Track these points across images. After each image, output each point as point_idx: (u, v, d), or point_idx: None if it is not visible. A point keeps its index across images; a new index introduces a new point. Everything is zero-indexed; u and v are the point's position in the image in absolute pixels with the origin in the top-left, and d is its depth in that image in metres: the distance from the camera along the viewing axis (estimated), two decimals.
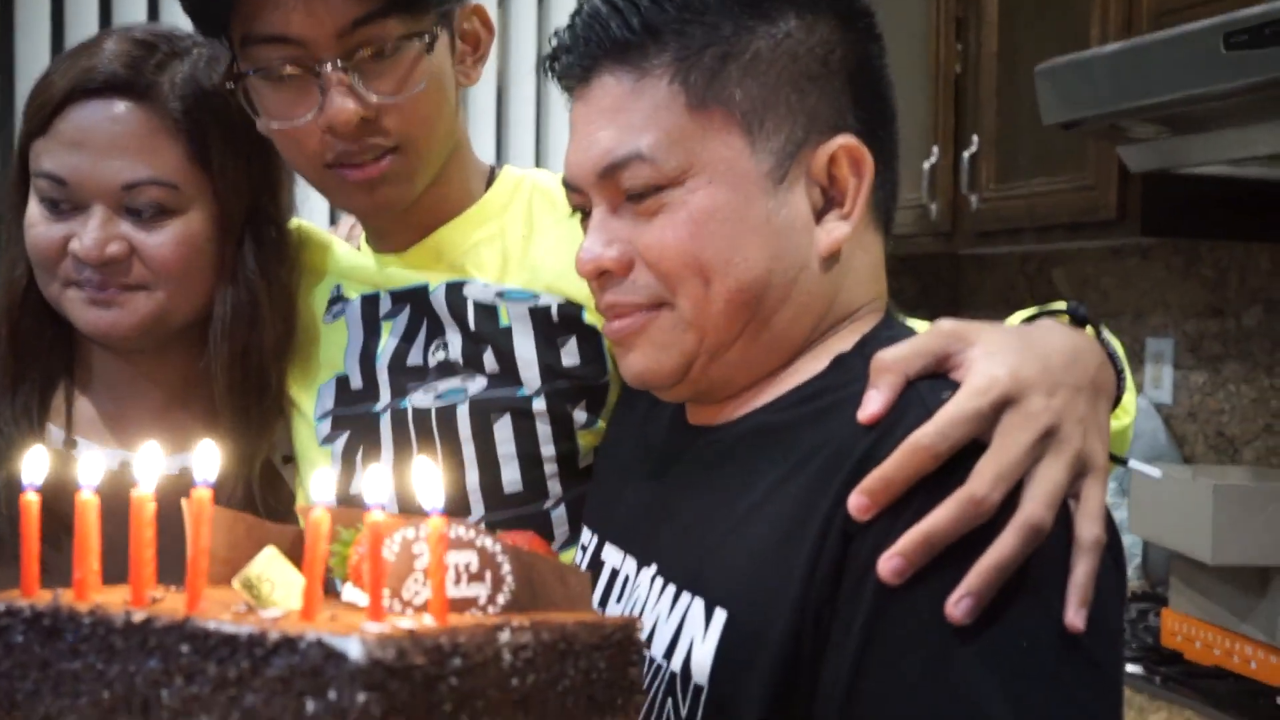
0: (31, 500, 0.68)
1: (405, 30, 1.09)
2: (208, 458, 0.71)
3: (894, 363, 0.81)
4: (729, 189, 0.87)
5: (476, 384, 1.20)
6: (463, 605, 0.64)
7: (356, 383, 1.24)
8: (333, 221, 1.41)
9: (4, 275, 1.23)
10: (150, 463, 0.68)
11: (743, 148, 0.88)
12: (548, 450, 1.19)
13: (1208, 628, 2.08)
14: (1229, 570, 2.03)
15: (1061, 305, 0.93)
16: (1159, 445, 2.81)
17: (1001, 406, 0.77)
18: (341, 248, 1.31)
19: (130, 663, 0.61)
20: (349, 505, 1.21)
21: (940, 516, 0.74)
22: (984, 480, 0.75)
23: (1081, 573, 0.76)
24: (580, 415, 1.19)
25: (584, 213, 0.95)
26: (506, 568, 0.65)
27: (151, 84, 1.16)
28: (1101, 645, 0.76)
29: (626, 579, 0.97)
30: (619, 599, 0.96)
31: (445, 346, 1.21)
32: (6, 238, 1.23)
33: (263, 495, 1.23)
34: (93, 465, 0.70)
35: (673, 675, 0.85)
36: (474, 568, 0.64)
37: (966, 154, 2.87)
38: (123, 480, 1.22)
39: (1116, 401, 0.88)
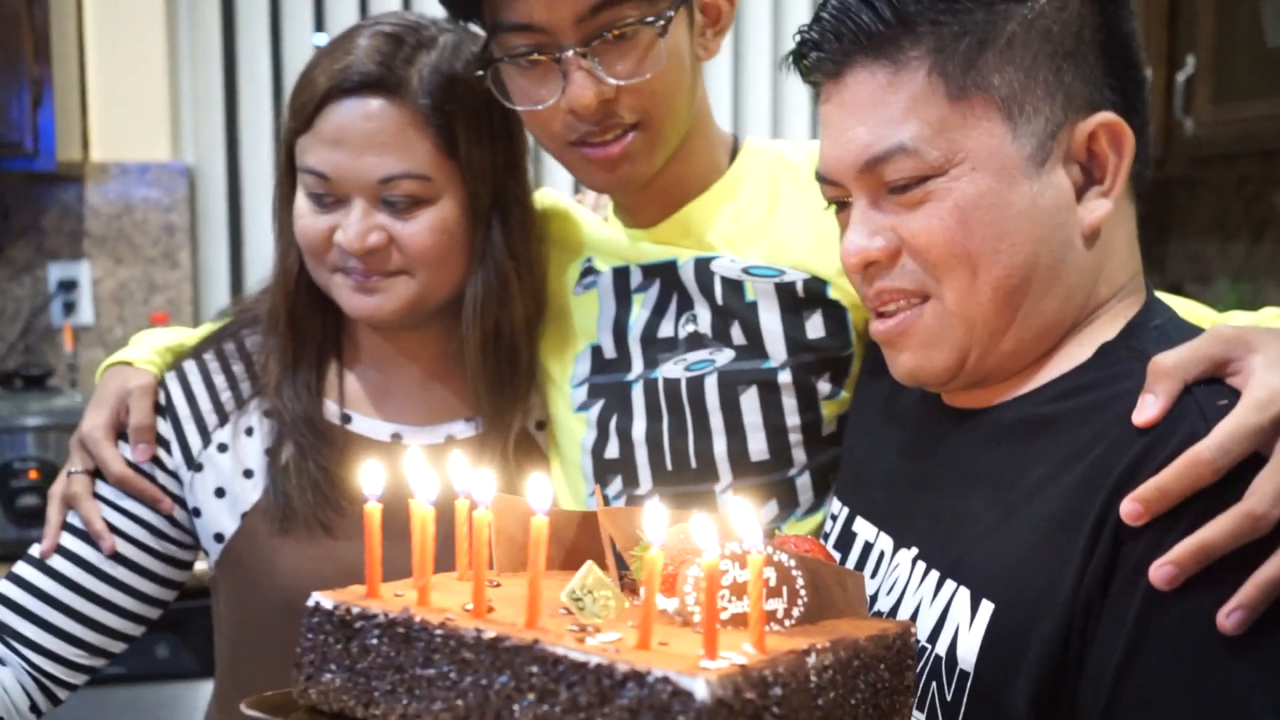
0: (373, 510, 0.74)
1: (641, 13, 1.12)
2: (538, 487, 0.76)
3: (1173, 368, 0.81)
4: (993, 175, 0.88)
5: (724, 356, 1.24)
6: (764, 619, 0.68)
7: (610, 352, 1.30)
8: (576, 190, 1.46)
9: (279, 262, 1.33)
10: (485, 483, 0.75)
11: (1004, 133, 0.89)
12: (792, 420, 1.22)
13: None
14: None
15: None
16: None
17: None
18: (589, 220, 1.35)
19: (483, 676, 0.66)
20: (604, 468, 1.28)
21: (1217, 529, 0.75)
22: (1264, 497, 0.75)
23: None
24: (824, 386, 1.22)
25: (839, 204, 0.97)
26: (800, 581, 0.69)
27: (402, 79, 1.22)
28: None
29: (882, 554, 0.99)
30: (874, 574, 0.99)
31: (695, 319, 1.25)
32: (279, 227, 1.32)
33: (517, 461, 1.30)
34: (430, 477, 0.76)
35: (938, 659, 0.88)
36: (772, 582, 0.69)
37: (1181, 75, 2.75)
38: (395, 451, 1.33)
39: None
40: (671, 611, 0.71)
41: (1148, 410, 0.82)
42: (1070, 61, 0.90)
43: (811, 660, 0.64)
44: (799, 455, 1.24)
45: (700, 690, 0.60)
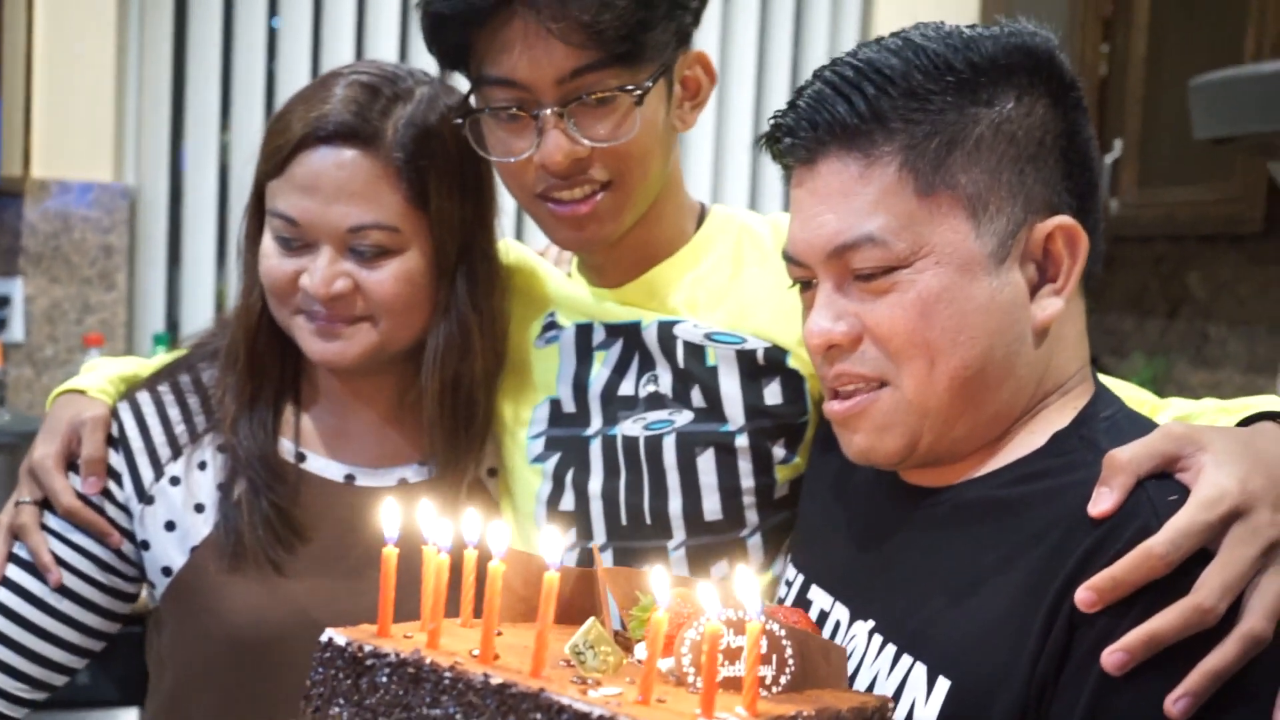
0: (391, 554, 0.77)
1: (621, 81, 1.16)
2: (549, 543, 0.79)
3: (1127, 463, 0.86)
4: (955, 270, 0.92)
5: (683, 417, 1.26)
6: (757, 684, 0.70)
7: (569, 406, 1.31)
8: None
9: (242, 298, 1.33)
10: (499, 536, 0.78)
11: (968, 230, 0.93)
12: (747, 483, 1.25)
13: None
14: None
15: (1269, 404, 0.97)
16: None
17: (1230, 519, 0.82)
18: (554, 274, 1.37)
19: (488, 718, 0.68)
20: (558, 520, 1.30)
21: (1166, 620, 0.80)
22: (1211, 591, 0.80)
23: None
24: (780, 451, 1.25)
25: (804, 284, 1.00)
26: (790, 650, 0.72)
27: (377, 131, 1.23)
28: None
29: (838, 624, 1.03)
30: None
31: (655, 380, 1.28)
32: (244, 264, 1.33)
33: (470, 506, 1.31)
34: (440, 526, 0.78)
35: None
36: (764, 650, 0.71)
37: (1109, 158, 2.85)
38: (348, 493, 1.34)
39: None
40: (667, 671, 0.73)
41: (1103, 503, 0.86)
42: (1033, 165, 0.94)
43: None
44: (751, 516, 1.26)
45: None
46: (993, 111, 0.93)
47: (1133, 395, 1.17)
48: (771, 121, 1.01)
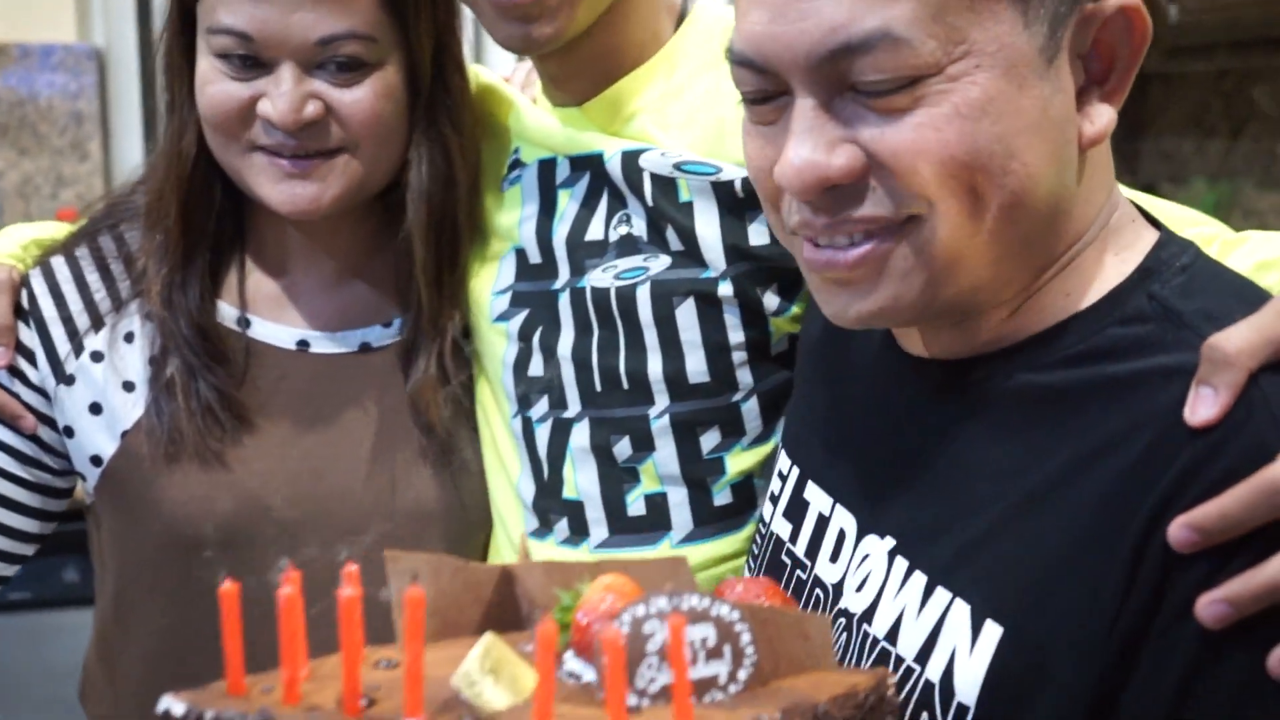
0: (230, 590, 0.63)
1: None
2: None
3: (1236, 355, 0.65)
4: (1002, 76, 0.70)
5: (659, 263, 1.12)
6: (704, 687, 0.57)
7: (534, 257, 1.18)
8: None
9: (171, 144, 1.17)
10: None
11: (1014, 19, 0.70)
12: (736, 337, 1.11)
13: None
14: None
15: None
16: None
17: None
18: (519, 102, 1.22)
19: None
20: (528, 386, 1.16)
21: None
22: None
23: None
24: (771, 300, 1.10)
25: (757, 97, 0.76)
26: (746, 638, 0.59)
27: None
28: None
29: (842, 533, 0.85)
30: (834, 558, 0.85)
31: (628, 220, 1.14)
32: (170, 101, 1.17)
33: (454, 368, 1.21)
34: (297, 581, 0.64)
35: (929, 685, 0.73)
36: (711, 642, 0.57)
37: None
38: (300, 361, 1.19)
39: None
40: (593, 684, 0.60)
41: (1205, 409, 0.66)
42: None
43: None
44: (744, 377, 1.12)
45: None
46: None
47: (1187, 218, 0.95)
48: None
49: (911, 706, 0.74)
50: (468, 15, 1.16)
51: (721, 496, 1.15)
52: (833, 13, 0.69)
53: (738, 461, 1.14)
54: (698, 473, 1.14)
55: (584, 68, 1.13)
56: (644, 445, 1.14)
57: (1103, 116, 0.74)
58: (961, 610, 0.73)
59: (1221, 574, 0.63)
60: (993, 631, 0.71)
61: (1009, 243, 0.72)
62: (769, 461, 1.13)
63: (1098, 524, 0.67)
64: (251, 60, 1.08)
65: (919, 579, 0.76)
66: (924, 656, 0.74)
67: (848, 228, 0.73)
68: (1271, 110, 3.05)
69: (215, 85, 1.10)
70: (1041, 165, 0.71)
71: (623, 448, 1.14)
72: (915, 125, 0.70)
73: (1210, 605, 0.63)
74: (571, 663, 0.62)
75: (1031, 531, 0.71)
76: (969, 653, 0.71)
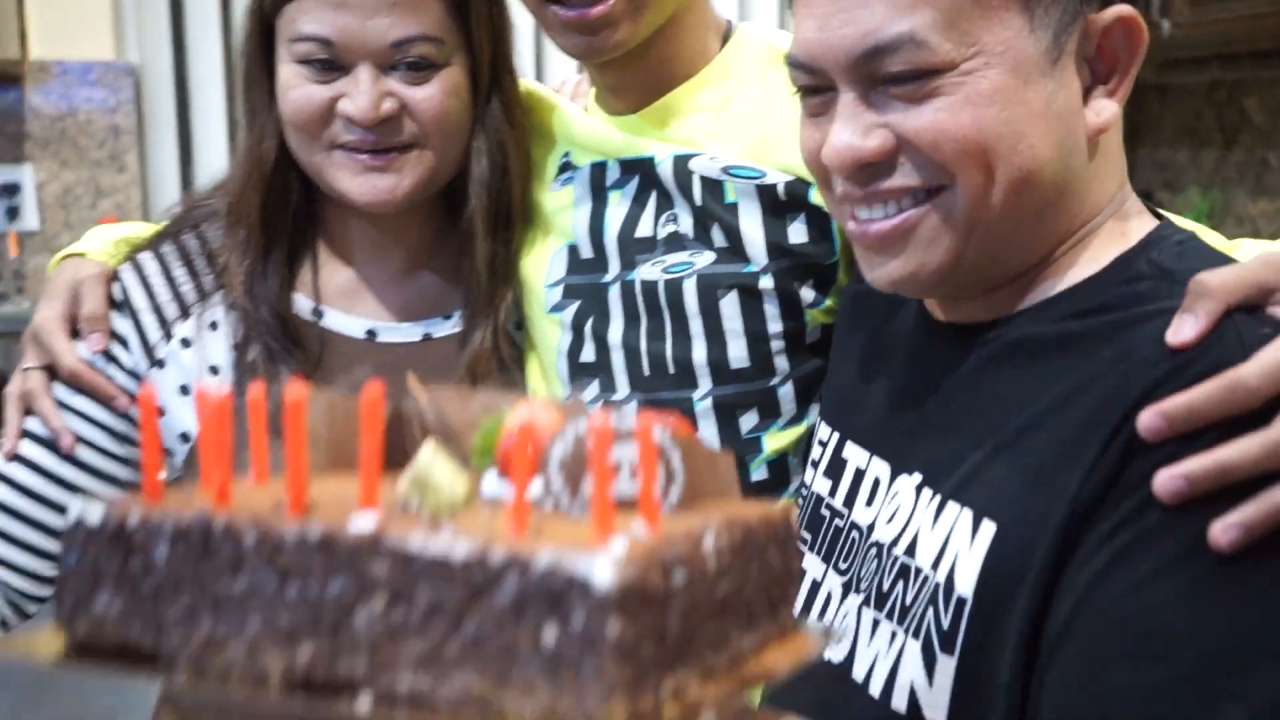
0: (148, 395, 0.63)
1: None
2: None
3: (1217, 289, 0.75)
4: (1008, 73, 0.81)
5: (704, 259, 1.20)
6: (635, 504, 0.56)
7: (586, 252, 1.25)
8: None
9: (252, 149, 1.25)
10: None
11: (1021, 26, 0.82)
12: (774, 327, 1.19)
13: None
14: None
15: None
16: None
17: None
18: (569, 110, 1.30)
19: (312, 583, 0.55)
20: (580, 371, 1.24)
21: (1239, 450, 0.70)
22: None
23: None
24: (808, 293, 1.19)
25: (809, 91, 0.89)
26: (676, 459, 0.60)
27: None
28: None
29: (877, 481, 0.94)
30: (869, 502, 0.95)
31: (675, 219, 1.22)
32: (250, 109, 1.26)
33: (506, 345, 1.28)
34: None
35: (936, 586, 0.83)
36: (634, 462, 0.59)
37: None
38: (370, 350, 1.28)
39: None
40: (535, 500, 0.60)
41: (1185, 330, 0.75)
42: None
43: (709, 542, 0.55)
44: (781, 363, 1.20)
45: (603, 574, 0.49)
46: None
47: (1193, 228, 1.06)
48: None
49: (921, 605, 0.84)
50: (526, 29, 1.25)
51: (759, 473, 1.22)
52: (867, 21, 0.82)
53: (774, 441, 1.21)
54: (739, 451, 1.21)
55: (640, 79, 1.21)
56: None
57: (1107, 110, 0.84)
58: (965, 517, 0.82)
59: (1179, 458, 0.71)
60: (988, 530, 0.80)
61: (1021, 215, 0.83)
62: (801, 441, 1.20)
63: (1081, 434, 0.76)
64: (331, 64, 1.16)
65: (935, 500, 0.86)
66: (936, 563, 0.83)
67: (883, 196, 0.85)
68: (1262, 120, 3.11)
69: (298, 89, 1.17)
70: (1046, 148, 0.82)
71: None
72: (935, 110, 0.82)
73: (1169, 479, 0.71)
74: (492, 484, 0.62)
75: (1029, 447, 0.80)
76: (969, 551, 0.81)
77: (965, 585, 0.80)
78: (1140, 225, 0.89)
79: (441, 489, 0.57)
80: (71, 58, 2.92)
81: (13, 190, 2.89)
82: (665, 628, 0.52)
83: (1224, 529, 0.69)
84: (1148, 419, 0.72)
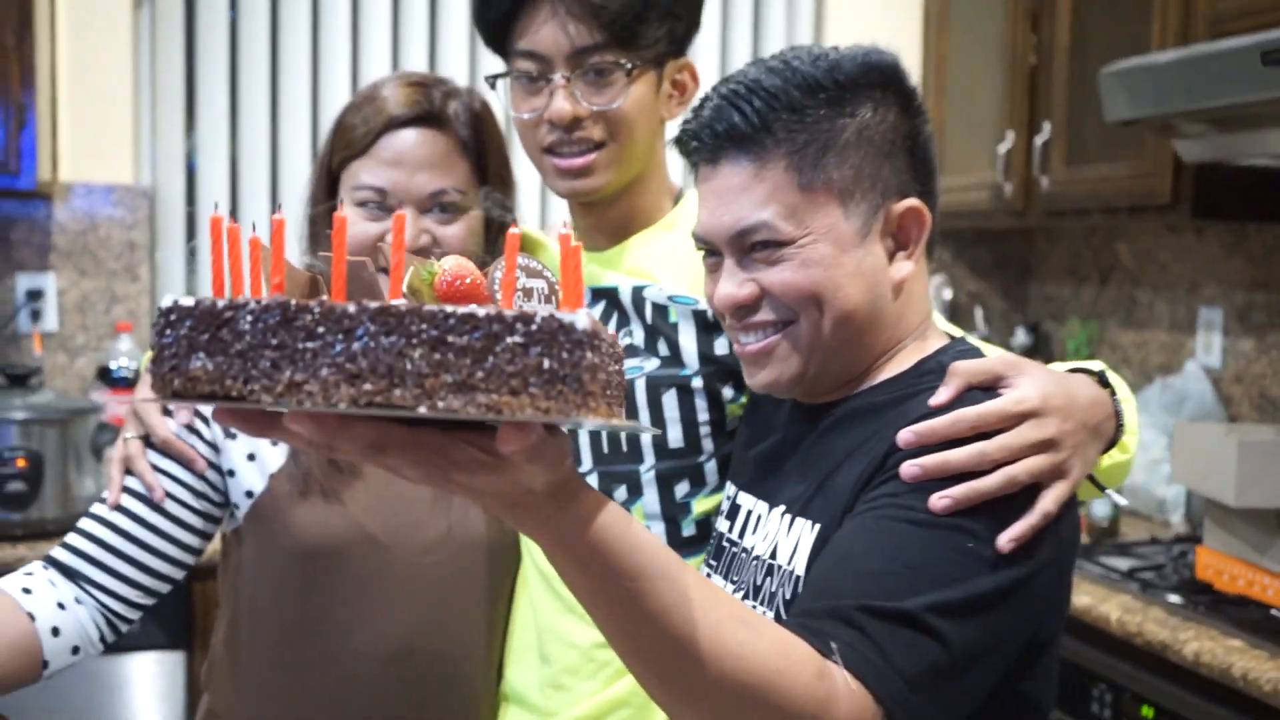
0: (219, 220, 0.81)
1: (617, 58, 1.42)
2: None
3: (964, 372, 1.10)
4: (831, 245, 1.13)
5: (651, 364, 1.47)
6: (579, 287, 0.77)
7: None
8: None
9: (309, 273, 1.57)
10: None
11: (839, 215, 1.13)
12: (703, 416, 1.46)
13: (1234, 562, 2.39)
14: (1252, 512, 2.34)
15: (1095, 366, 1.21)
16: (1207, 405, 3.05)
17: (1029, 416, 1.06)
18: (554, 247, 1.60)
19: (370, 339, 0.69)
20: None
21: (958, 454, 1.04)
22: (996, 444, 1.04)
23: (1024, 523, 1.03)
24: (729, 391, 1.46)
25: (707, 253, 1.21)
26: (558, 294, 0.82)
27: (444, 114, 1.50)
28: (1018, 573, 1.02)
29: (760, 517, 1.25)
30: (754, 531, 1.26)
31: (630, 333, 1.50)
32: (311, 236, 1.55)
33: None
34: None
35: (787, 573, 1.15)
36: (545, 290, 0.82)
37: (1039, 139, 3.08)
38: None
39: (1111, 444, 1.16)
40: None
41: (940, 395, 1.09)
42: (887, 160, 1.14)
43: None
44: (707, 444, 1.46)
45: (582, 321, 0.70)
46: (855, 120, 1.13)
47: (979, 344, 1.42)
48: (680, 128, 1.21)
49: (777, 588, 1.15)
50: (531, 183, 1.53)
51: (688, 529, 1.47)
52: (737, 212, 1.14)
53: (701, 505, 1.46)
54: (672, 512, 1.46)
55: (610, 223, 1.52)
56: (635, 491, 1.47)
57: (905, 268, 1.16)
58: (802, 524, 1.14)
59: (920, 456, 1.04)
60: (814, 529, 1.13)
61: (845, 340, 1.16)
62: (720, 505, 1.45)
63: (870, 460, 1.10)
64: (382, 206, 1.47)
65: (788, 518, 1.18)
66: (791, 558, 1.16)
67: (752, 327, 1.17)
68: (1131, 263, 3.42)
69: (356, 225, 1.48)
70: (858, 295, 1.14)
71: (620, 493, 1.46)
72: (782, 270, 1.14)
73: (910, 466, 1.04)
74: None
75: (842, 474, 1.13)
76: (804, 545, 1.13)
77: (800, 566, 1.14)
78: (937, 341, 1.20)
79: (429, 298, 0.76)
80: (96, 180, 3.14)
81: (37, 295, 3.11)
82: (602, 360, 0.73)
83: (939, 498, 1.04)
84: (903, 435, 1.08)
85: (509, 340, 0.69)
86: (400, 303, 0.71)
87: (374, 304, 0.71)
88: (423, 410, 0.69)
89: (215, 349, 0.71)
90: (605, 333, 0.76)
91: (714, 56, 3.65)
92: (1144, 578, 2.48)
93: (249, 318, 0.71)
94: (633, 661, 0.91)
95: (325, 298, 0.76)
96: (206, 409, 0.75)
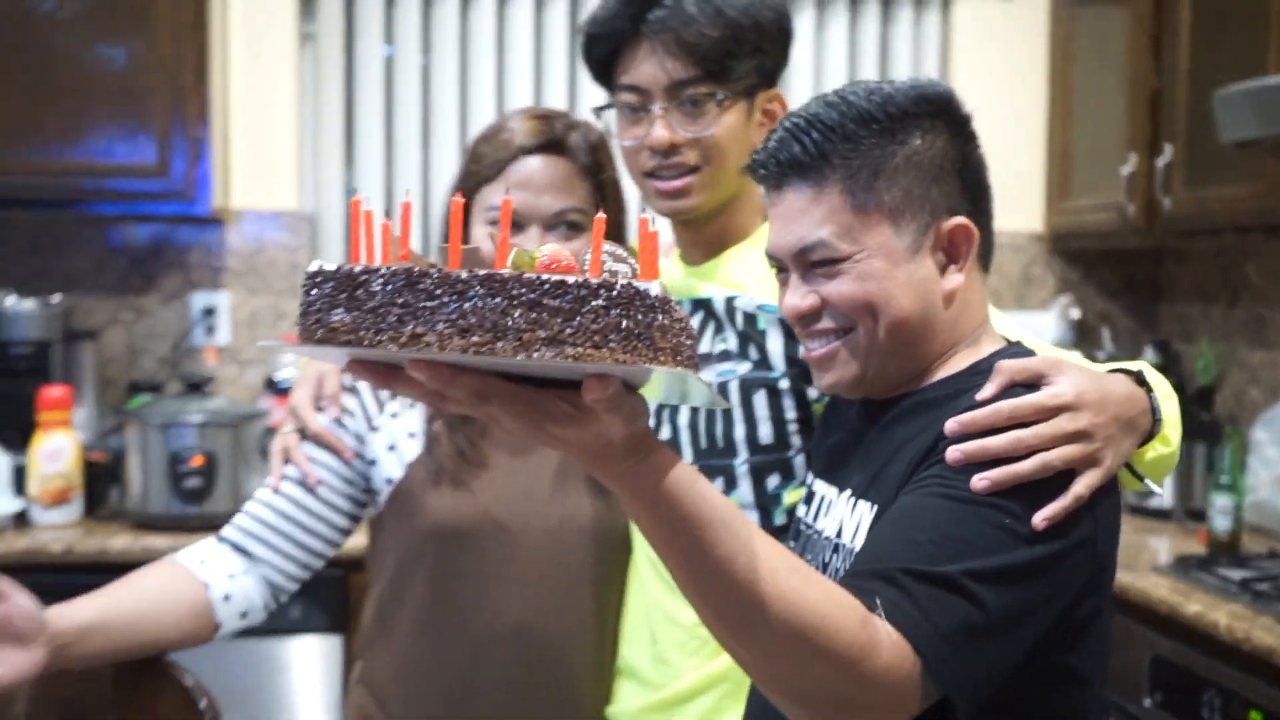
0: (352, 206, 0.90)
1: (711, 91, 1.55)
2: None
3: (1008, 369, 1.19)
4: (884, 260, 1.22)
5: (744, 368, 1.57)
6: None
7: None
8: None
9: None
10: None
11: (891, 233, 1.22)
12: (790, 415, 1.55)
13: None
14: None
15: (1134, 366, 1.27)
16: None
17: (1064, 409, 1.14)
18: (661, 263, 1.68)
19: (479, 300, 0.79)
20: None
21: (996, 441, 1.13)
22: (1033, 433, 1.12)
23: (1057, 504, 1.10)
24: (813, 392, 1.55)
25: (780, 269, 1.32)
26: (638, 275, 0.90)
27: (567, 142, 1.64)
28: (1050, 550, 1.09)
29: (830, 502, 1.36)
30: (826, 515, 1.35)
31: (725, 340, 1.60)
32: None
33: None
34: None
35: (849, 550, 1.25)
36: (628, 275, 0.88)
37: (1160, 161, 3.09)
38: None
39: (1148, 438, 1.22)
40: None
41: (985, 391, 1.16)
42: (935, 183, 1.22)
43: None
44: (795, 440, 1.55)
45: (654, 289, 0.80)
46: (905, 147, 1.22)
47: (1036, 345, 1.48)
48: (751, 157, 1.29)
49: (840, 562, 1.25)
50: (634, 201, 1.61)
51: (779, 518, 1.54)
52: (798, 232, 1.22)
53: (790, 496, 1.54)
54: (764, 502, 1.54)
55: (706, 239, 1.62)
56: (731, 484, 1.55)
57: (955, 279, 1.24)
58: (864, 505, 1.22)
59: (963, 442, 1.12)
60: (872, 509, 1.21)
61: (898, 345, 1.24)
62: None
63: (924, 446, 1.19)
64: (512, 226, 1.59)
65: (853, 502, 1.26)
66: (854, 537, 1.23)
67: (816, 334, 1.26)
68: (1261, 283, 3.39)
69: (486, 245, 1.60)
70: (909, 306, 1.22)
71: (718, 485, 1.53)
72: (839, 284, 1.22)
73: (954, 451, 1.12)
74: None
75: (899, 460, 1.20)
76: (862, 523, 1.21)
77: (860, 544, 1.24)
78: (992, 345, 1.27)
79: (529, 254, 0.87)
80: (264, 207, 3.37)
81: (211, 312, 3.36)
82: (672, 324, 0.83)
83: (979, 479, 1.13)
84: (949, 424, 1.18)
85: (593, 303, 0.79)
86: (505, 271, 0.82)
87: (483, 271, 0.81)
88: (520, 359, 0.79)
89: (352, 305, 0.81)
90: (677, 310, 0.86)
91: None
92: (1258, 588, 2.51)
93: (380, 280, 0.81)
94: (698, 603, 1.00)
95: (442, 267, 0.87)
96: (344, 367, 0.88)
